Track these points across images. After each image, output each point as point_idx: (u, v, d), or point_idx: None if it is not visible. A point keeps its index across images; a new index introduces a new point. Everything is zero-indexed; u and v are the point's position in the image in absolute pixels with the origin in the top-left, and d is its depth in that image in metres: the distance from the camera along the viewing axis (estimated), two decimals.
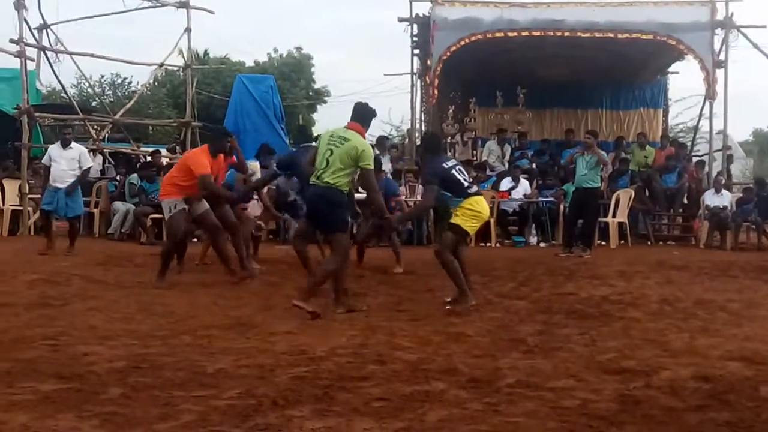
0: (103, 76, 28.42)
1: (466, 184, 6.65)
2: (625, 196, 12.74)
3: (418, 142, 14.62)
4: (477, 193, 6.70)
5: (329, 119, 43.02)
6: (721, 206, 12.91)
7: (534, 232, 13.10)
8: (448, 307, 6.50)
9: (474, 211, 6.53)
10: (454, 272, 6.48)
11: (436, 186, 6.65)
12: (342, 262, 6.29)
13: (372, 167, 6.26)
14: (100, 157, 14.79)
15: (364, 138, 6.46)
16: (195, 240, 10.25)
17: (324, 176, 6.11)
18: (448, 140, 14.85)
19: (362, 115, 6.37)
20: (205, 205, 7.80)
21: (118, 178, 13.71)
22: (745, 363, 4.63)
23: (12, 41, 12.77)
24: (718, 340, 5.38)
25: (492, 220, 12.23)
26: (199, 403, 3.64)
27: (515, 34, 13.23)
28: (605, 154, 11.13)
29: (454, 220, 6.56)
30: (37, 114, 13.56)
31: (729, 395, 3.91)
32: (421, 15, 13.89)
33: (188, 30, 14.50)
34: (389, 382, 4.08)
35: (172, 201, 7.60)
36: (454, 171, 6.62)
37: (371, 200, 6.59)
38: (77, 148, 10.19)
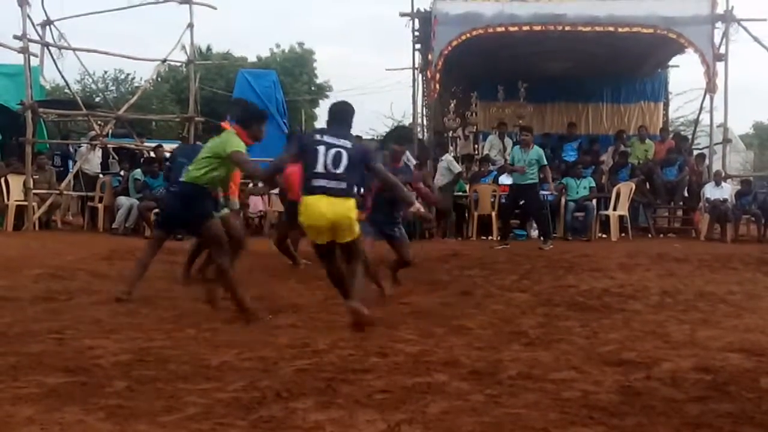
0: (106, 72, 28.52)
1: (320, 169, 5.10)
2: (625, 189, 12.77)
3: (420, 137, 14.66)
4: (319, 192, 5.15)
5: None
6: (722, 199, 12.93)
7: (535, 225, 13.10)
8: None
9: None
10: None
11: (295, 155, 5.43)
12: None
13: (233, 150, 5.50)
14: (99, 152, 14.81)
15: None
16: None
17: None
18: (450, 134, 14.87)
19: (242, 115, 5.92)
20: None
21: (121, 173, 13.73)
22: (745, 354, 4.66)
23: (15, 37, 12.74)
24: (719, 331, 5.41)
25: (494, 214, 12.29)
26: (203, 395, 3.66)
27: (516, 28, 13.21)
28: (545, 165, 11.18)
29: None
30: (40, 110, 13.54)
31: (729, 386, 3.93)
32: (422, 10, 13.89)
33: (191, 26, 14.48)
34: (391, 374, 4.11)
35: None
36: (320, 146, 5.17)
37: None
38: None
